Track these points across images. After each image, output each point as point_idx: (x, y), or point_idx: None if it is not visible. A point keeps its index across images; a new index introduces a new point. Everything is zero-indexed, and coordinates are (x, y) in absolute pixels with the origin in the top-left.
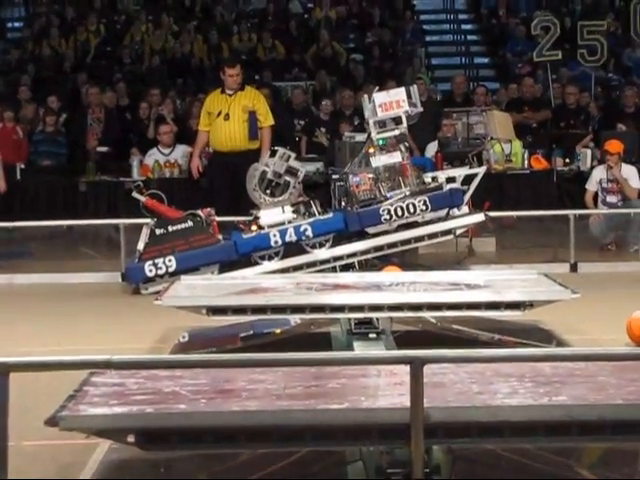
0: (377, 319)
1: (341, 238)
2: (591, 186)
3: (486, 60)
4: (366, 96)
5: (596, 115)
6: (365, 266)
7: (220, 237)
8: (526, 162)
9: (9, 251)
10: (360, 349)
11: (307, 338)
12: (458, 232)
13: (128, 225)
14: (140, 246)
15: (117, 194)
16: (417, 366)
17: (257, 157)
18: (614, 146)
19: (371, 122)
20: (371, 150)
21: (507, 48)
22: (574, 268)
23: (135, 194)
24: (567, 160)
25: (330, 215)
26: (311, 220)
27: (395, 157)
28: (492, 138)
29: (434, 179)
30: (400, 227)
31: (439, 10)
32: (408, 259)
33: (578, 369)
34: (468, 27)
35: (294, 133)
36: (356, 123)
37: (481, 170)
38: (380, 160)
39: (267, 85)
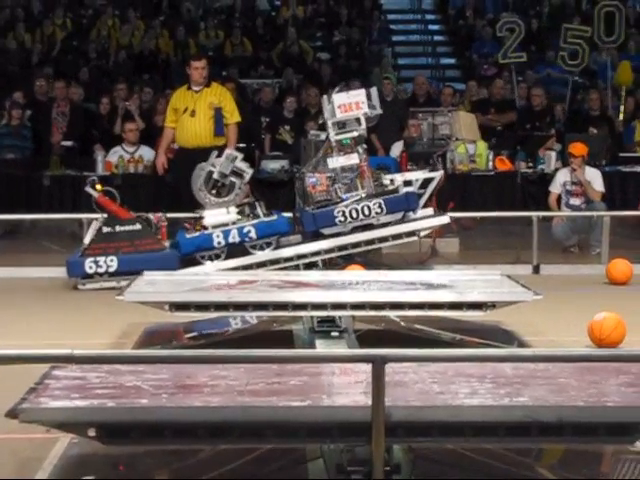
0: (339, 317)
1: (304, 237)
2: (555, 188)
3: (452, 61)
4: (325, 97)
5: (561, 118)
6: (328, 265)
7: (167, 244)
8: (490, 163)
9: None
10: (322, 347)
11: (269, 335)
12: (422, 234)
13: (91, 220)
14: (86, 240)
15: (81, 189)
16: (379, 365)
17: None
18: (578, 149)
19: (329, 123)
20: (329, 151)
21: (473, 49)
22: (537, 270)
23: (88, 189)
24: (531, 162)
25: (274, 217)
26: (255, 222)
27: (352, 159)
28: (457, 139)
29: (391, 182)
30: (356, 229)
31: (406, 10)
32: (371, 258)
33: (539, 370)
34: (435, 27)
35: (260, 130)
36: (321, 122)
37: (437, 174)
38: (337, 161)
39: (232, 80)
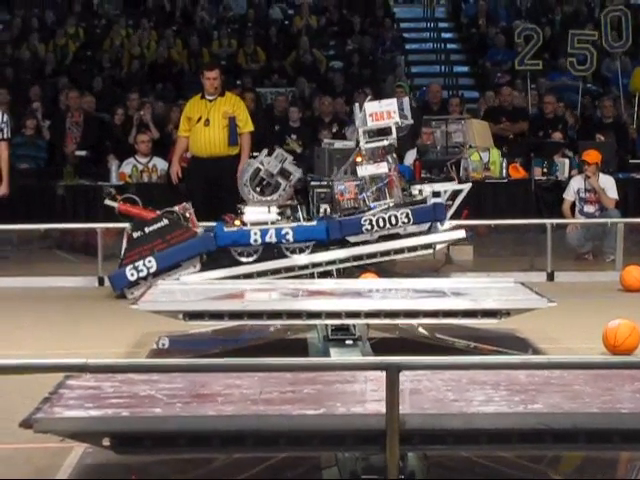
0: (354, 326)
1: (322, 245)
2: (569, 196)
3: (466, 69)
4: (357, 104)
5: (574, 125)
6: (342, 273)
7: (198, 229)
8: (504, 171)
9: None
10: (336, 355)
11: (284, 344)
12: (438, 247)
13: (105, 229)
14: (122, 253)
15: (95, 198)
16: (393, 373)
17: (236, 163)
18: (592, 156)
19: (360, 131)
20: (358, 159)
21: (487, 57)
22: (551, 277)
23: (108, 202)
24: (545, 169)
25: (314, 223)
26: (294, 225)
27: (382, 168)
28: (470, 146)
29: (420, 192)
30: (382, 238)
31: (419, 18)
32: (385, 267)
33: (554, 378)
34: (448, 36)
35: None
36: (334, 130)
37: (466, 187)
38: (367, 170)
39: (250, 90)
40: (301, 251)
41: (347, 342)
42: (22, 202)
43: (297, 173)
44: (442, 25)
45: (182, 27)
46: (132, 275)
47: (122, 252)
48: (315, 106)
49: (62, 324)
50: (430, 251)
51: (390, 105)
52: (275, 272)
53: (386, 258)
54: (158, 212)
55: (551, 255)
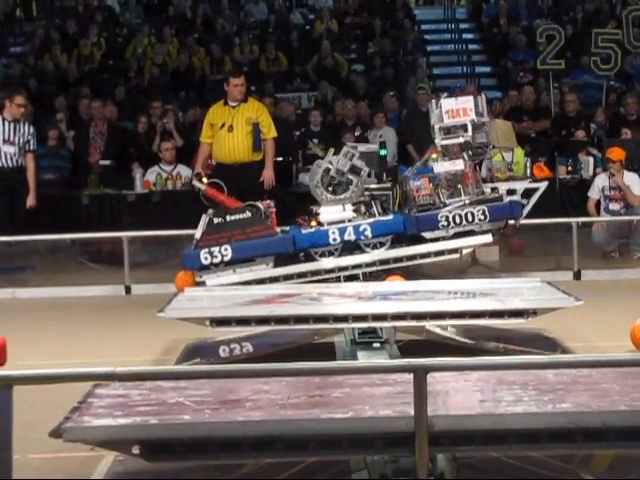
0: (381, 328)
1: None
2: (593, 194)
3: (488, 69)
4: (434, 101)
5: (604, 123)
6: (368, 277)
7: (278, 230)
8: (528, 171)
9: (12, 265)
10: (364, 358)
11: (311, 348)
12: (464, 252)
13: (131, 238)
14: (197, 234)
15: (120, 207)
16: (420, 374)
17: (260, 168)
18: (616, 154)
19: (436, 127)
20: (434, 155)
21: (508, 57)
22: (577, 276)
23: (195, 182)
24: (569, 168)
25: (390, 217)
26: (371, 220)
27: (458, 165)
28: (494, 147)
29: (494, 190)
30: (409, 242)
31: (440, 20)
32: (412, 269)
33: (582, 376)
34: (469, 36)
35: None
36: (357, 134)
37: (542, 185)
38: (442, 166)
39: (270, 95)
40: (381, 245)
41: (374, 345)
42: (47, 212)
43: (366, 168)
44: (463, 26)
45: (203, 34)
46: (206, 259)
47: (199, 234)
48: (337, 110)
49: (90, 333)
50: (457, 256)
51: (467, 102)
52: (301, 276)
53: (412, 262)
54: (241, 203)
55: (577, 254)
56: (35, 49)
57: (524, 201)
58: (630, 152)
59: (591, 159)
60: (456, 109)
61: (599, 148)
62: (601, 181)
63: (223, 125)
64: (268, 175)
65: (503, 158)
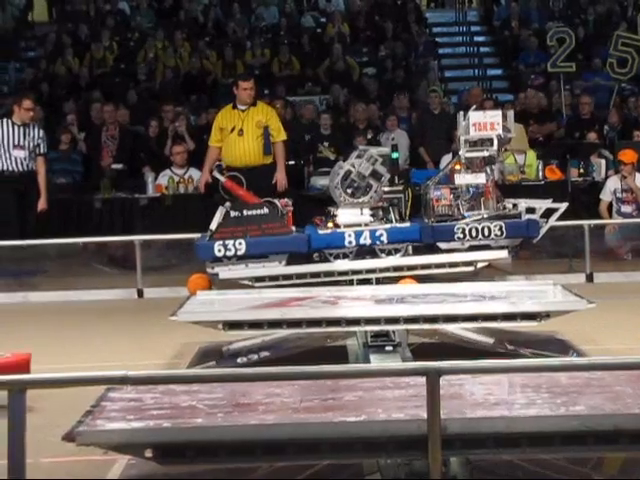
0: (393, 331)
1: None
2: (605, 196)
3: (499, 72)
4: (462, 112)
5: (617, 125)
6: (381, 280)
7: (293, 228)
8: (540, 173)
9: (24, 269)
10: (376, 361)
11: (323, 351)
12: (479, 265)
13: (143, 241)
14: (213, 225)
15: (132, 211)
16: (433, 377)
17: (271, 171)
18: (628, 156)
19: (462, 139)
20: (457, 167)
21: (520, 59)
22: (590, 278)
23: (216, 174)
24: (581, 170)
25: (407, 224)
26: (388, 226)
27: (480, 178)
28: (506, 149)
29: (514, 206)
30: (423, 251)
31: (451, 23)
32: None
33: (594, 379)
34: (481, 39)
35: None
36: (369, 137)
37: (562, 206)
38: (465, 178)
39: (280, 98)
40: (396, 252)
41: (387, 348)
42: (60, 216)
43: (388, 174)
44: (474, 29)
45: (215, 38)
46: (219, 251)
47: (214, 226)
48: (350, 113)
49: (102, 337)
50: (471, 268)
51: (495, 117)
52: (314, 276)
53: (426, 271)
54: (260, 199)
55: (589, 256)
56: (47, 53)
57: (543, 221)
58: None
59: (603, 161)
60: (484, 122)
61: (611, 150)
62: (613, 183)
63: (233, 129)
64: (281, 178)
65: (516, 161)
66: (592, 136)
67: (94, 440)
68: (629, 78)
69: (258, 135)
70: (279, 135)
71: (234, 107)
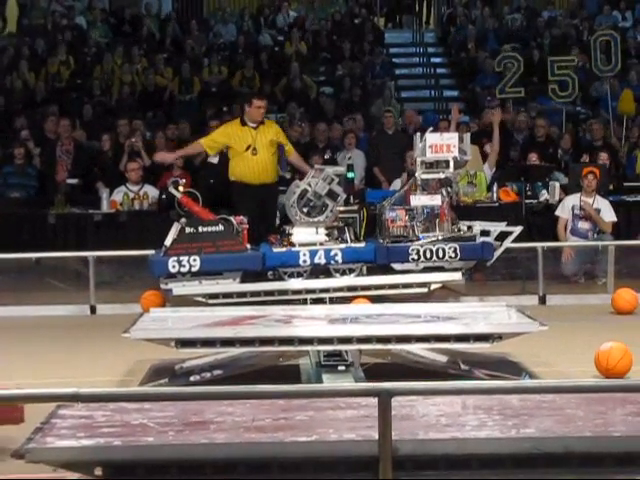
0: (346, 351)
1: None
2: (563, 213)
3: (455, 93)
4: (419, 134)
5: (569, 148)
6: (334, 300)
7: (248, 246)
8: (495, 195)
9: None
10: (329, 381)
11: (276, 370)
12: (433, 287)
13: (97, 257)
14: (168, 241)
15: (86, 226)
16: (385, 398)
17: (284, 185)
18: (596, 172)
19: (419, 160)
20: (413, 188)
21: (476, 82)
22: (543, 300)
23: (172, 189)
24: (532, 192)
25: (362, 245)
26: (343, 246)
27: (435, 200)
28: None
29: (469, 228)
30: (378, 271)
31: (409, 43)
32: None
33: (546, 401)
34: (437, 60)
35: None
36: (327, 157)
37: (517, 229)
38: (420, 200)
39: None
40: (350, 272)
41: (339, 368)
42: (13, 231)
43: (343, 194)
44: (431, 50)
45: (173, 55)
46: (174, 267)
47: (169, 242)
48: (307, 132)
49: (54, 353)
50: (425, 290)
51: (451, 139)
52: (268, 294)
53: (380, 292)
54: (215, 216)
55: (542, 278)
56: (3, 67)
57: (497, 244)
58: (600, 177)
59: (557, 184)
60: (440, 144)
61: (565, 173)
62: (571, 200)
63: (248, 147)
64: None
65: (470, 182)
66: (533, 157)
67: (43, 458)
68: (574, 99)
69: (272, 153)
70: (292, 148)
71: (243, 124)
